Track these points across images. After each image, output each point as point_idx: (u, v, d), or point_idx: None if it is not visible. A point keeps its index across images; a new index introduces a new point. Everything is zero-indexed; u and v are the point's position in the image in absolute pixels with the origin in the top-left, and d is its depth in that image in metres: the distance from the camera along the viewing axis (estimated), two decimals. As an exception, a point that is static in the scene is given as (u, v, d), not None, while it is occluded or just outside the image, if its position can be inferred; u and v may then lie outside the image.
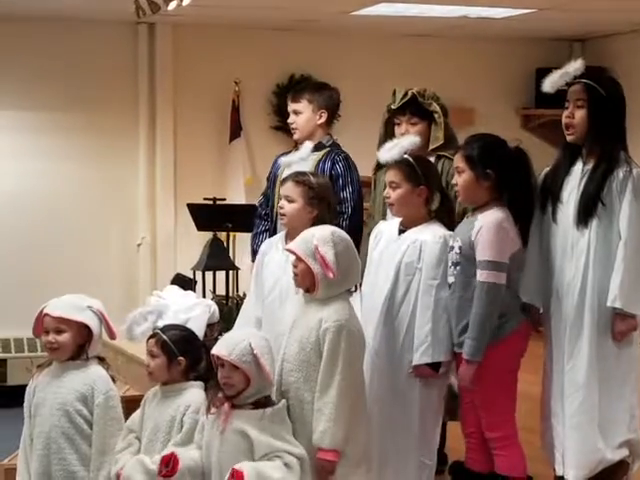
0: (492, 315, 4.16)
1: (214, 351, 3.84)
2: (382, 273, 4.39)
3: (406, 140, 4.47)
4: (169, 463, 3.81)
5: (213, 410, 3.84)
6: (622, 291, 4.15)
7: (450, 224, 4.42)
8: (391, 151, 4.42)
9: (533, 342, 4.45)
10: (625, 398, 4.31)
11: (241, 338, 3.84)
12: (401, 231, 4.42)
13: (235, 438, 3.78)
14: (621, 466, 4.35)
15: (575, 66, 4.30)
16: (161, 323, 4.25)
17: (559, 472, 4.35)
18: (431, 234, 4.34)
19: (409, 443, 4.37)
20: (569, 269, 4.28)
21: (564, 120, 4.33)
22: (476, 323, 4.15)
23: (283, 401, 3.87)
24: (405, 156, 4.39)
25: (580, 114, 4.27)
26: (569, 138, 4.33)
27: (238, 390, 3.80)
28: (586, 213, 4.22)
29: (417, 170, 4.37)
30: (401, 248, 4.36)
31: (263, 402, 3.83)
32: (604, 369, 4.25)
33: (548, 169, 4.46)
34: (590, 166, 4.28)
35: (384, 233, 4.50)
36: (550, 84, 4.34)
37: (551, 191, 4.35)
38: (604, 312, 4.22)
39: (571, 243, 4.28)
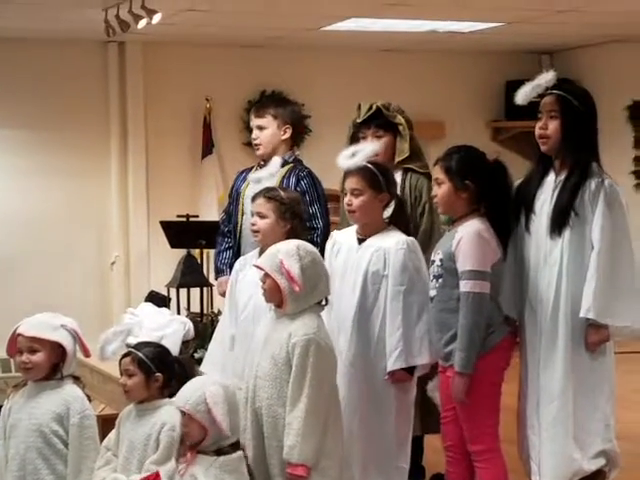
0: (479, 325, 4.14)
1: (175, 401, 3.87)
2: (348, 283, 4.38)
3: (368, 147, 4.48)
4: None
5: (181, 460, 3.84)
6: (595, 301, 4.15)
7: (407, 231, 4.43)
8: (353, 158, 4.41)
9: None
10: (600, 408, 4.30)
11: (196, 387, 3.85)
12: (360, 240, 4.42)
13: None
14: (598, 475, 4.34)
15: (547, 78, 4.31)
16: (132, 340, 4.23)
17: (536, 483, 4.35)
18: (394, 241, 4.34)
19: (388, 450, 4.38)
20: (543, 279, 4.28)
21: (537, 131, 4.33)
22: (464, 334, 4.13)
23: (240, 452, 3.85)
24: (366, 163, 4.39)
25: (553, 125, 4.28)
26: (543, 148, 4.33)
27: (197, 439, 3.82)
28: (559, 223, 4.23)
29: (379, 177, 4.38)
30: (365, 257, 4.37)
31: (225, 451, 3.82)
32: (579, 379, 4.25)
33: (520, 181, 4.46)
34: (563, 177, 4.28)
35: (343, 243, 4.50)
36: (522, 96, 4.34)
37: (524, 202, 4.36)
38: (578, 322, 4.22)
39: (544, 253, 4.28)
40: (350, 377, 4.33)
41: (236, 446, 3.86)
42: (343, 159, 4.44)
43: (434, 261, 4.29)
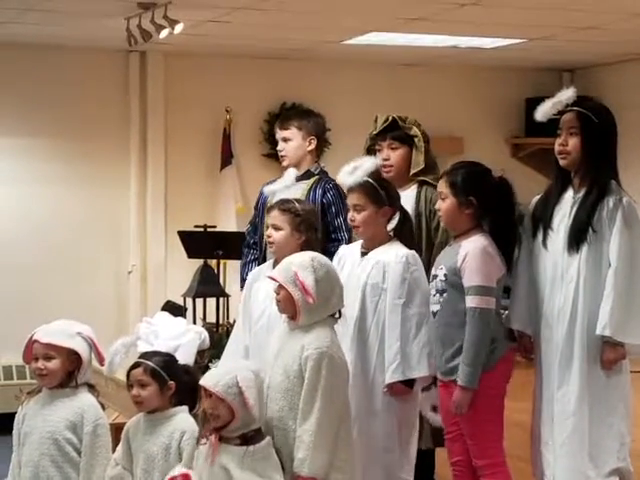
0: (485, 340, 4.16)
1: (202, 382, 3.84)
2: (350, 296, 4.36)
3: (367, 162, 4.50)
4: None
5: (203, 441, 3.82)
6: (612, 319, 4.14)
7: (410, 244, 4.45)
8: (353, 174, 4.43)
9: (524, 370, 4.45)
10: (615, 426, 4.28)
11: (228, 371, 3.84)
12: (363, 253, 4.45)
13: (220, 473, 3.77)
14: (611, 493, 4.33)
15: (567, 94, 4.30)
16: (145, 348, 4.21)
17: (549, 500, 4.34)
18: (393, 254, 4.36)
19: (392, 462, 4.37)
20: (559, 296, 4.27)
21: (557, 148, 4.32)
22: (471, 349, 4.14)
23: (268, 438, 3.84)
24: (366, 178, 4.40)
25: (573, 142, 4.27)
26: (562, 163, 4.32)
27: (224, 422, 3.79)
28: (577, 239, 4.22)
29: (380, 191, 4.40)
30: (365, 270, 4.39)
31: (250, 437, 3.80)
32: (594, 397, 4.23)
33: (539, 197, 4.46)
34: (581, 194, 4.28)
35: (347, 257, 4.52)
36: (542, 113, 4.33)
37: (542, 218, 4.36)
38: (594, 340, 4.21)
39: (561, 270, 4.27)
40: (351, 389, 4.28)
41: (259, 432, 3.84)
42: (344, 176, 4.48)
43: (437, 276, 4.29)
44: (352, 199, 4.44)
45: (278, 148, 5.36)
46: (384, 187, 4.44)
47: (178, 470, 3.88)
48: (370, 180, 4.42)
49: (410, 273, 4.33)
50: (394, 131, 4.94)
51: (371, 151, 4.97)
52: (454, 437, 4.36)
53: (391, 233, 4.46)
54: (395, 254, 4.35)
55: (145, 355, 4.13)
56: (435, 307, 4.29)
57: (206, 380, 3.82)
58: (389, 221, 4.43)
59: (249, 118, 9.48)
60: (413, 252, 4.40)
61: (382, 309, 4.34)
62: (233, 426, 3.78)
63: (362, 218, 4.40)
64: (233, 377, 3.78)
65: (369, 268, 4.38)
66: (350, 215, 4.45)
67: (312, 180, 5.19)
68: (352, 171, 4.44)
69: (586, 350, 4.22)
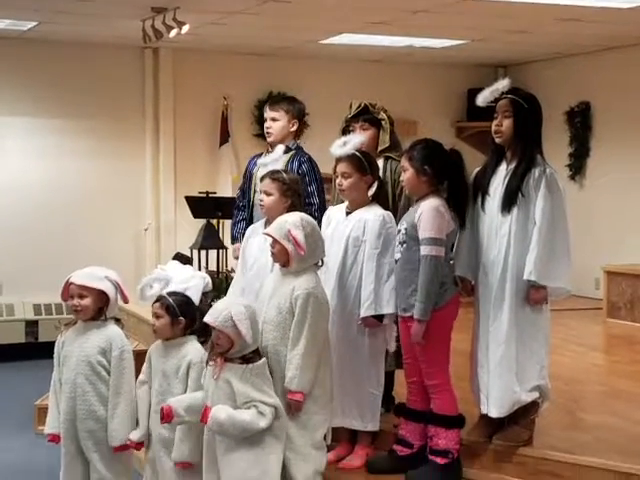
0: (435, 282, 4.16)
1: (205, 319, 3.85)
2: (335, 247, 4.39)
3: (356, 138, 4.48)
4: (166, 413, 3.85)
5: (211, 363, 3.86)
6: (536, 267, 4.17)
7: (385, 206, 4.45)
8: (344, 147, 4.42)
9: (466, 308, 4.47)
10: (536, 352, 4.32)
11: (224, 307, 3.84)
12: (347, 213, 4.46)
13: (223, 386, 3.80)
14: (533, 405, 4.38)
15: (503, 84, 4.30)
16: (156, 290, 4.22)
17: (484, 411, 4.38)
18: (372, 213, 4.36)
19: (362, 379, 4.40)
20: (494, 249, 4.29)
21: (493, 128, 4.33)
22: (423, 289, 4.14)
23: (264, 359, 3.87)
24: (354, 151, 4.41)
25: (507, 123, 4.28)
26: (498, 140, 4.33)
27: (225, 348, 3.81)
28: (509, 203, 4.23)
29: (364, 162, 4.40)
30: (349, 226, 4.39)
31: (249, 358, 3.83)
32: (520, 329, 4.27)
33: (478, 169, 4.46)
34: (513, 165, 4.29)
35: (334, 216, 4.52)
36: (483, 98, 4.34)
37: (480, 186, 4.36)
38: (521, 284, 4.24)
39: (496, 228, 4.29)
40: (332, 322, 4.31)
41: (257, 352, 3.86)
42: (335, 147, 4.45)
43: (400, 230, 4.29)
44: (341, 167, 4.41)
45: (266, 125, 5.25)
46: (367, 159, 4.42)
47: (169, 401, 3.91)
48: (357, 153, 4.40)
49: (386, 229, 4.33)
50: (365, 115, 4.91)
51: (346, 132, 4.94)
52: (410, 362, 4.39)
53: (370, 197, 4.47)
54: (374, 213, 4.35)
55: (167, 293, 4.14)
56: (397, 255, 4.28)
57: (208, 317, 3.84)
58: (369, 188, 4.42)
59: (242, 104, 9.49)
60: (389, 212, 4.40)
61: (361, 257, 4.34)
62: (233, 350, 3.81)
63: (348, 184, 4.38)
64: (228, 313, 3.79)
65: (352, 224, 4.37)
66: (338, 180, 4.42)
67: (290, 154, 5.14)
68: (342, 144, 4.42)
69: (515, 291, 4.25)
